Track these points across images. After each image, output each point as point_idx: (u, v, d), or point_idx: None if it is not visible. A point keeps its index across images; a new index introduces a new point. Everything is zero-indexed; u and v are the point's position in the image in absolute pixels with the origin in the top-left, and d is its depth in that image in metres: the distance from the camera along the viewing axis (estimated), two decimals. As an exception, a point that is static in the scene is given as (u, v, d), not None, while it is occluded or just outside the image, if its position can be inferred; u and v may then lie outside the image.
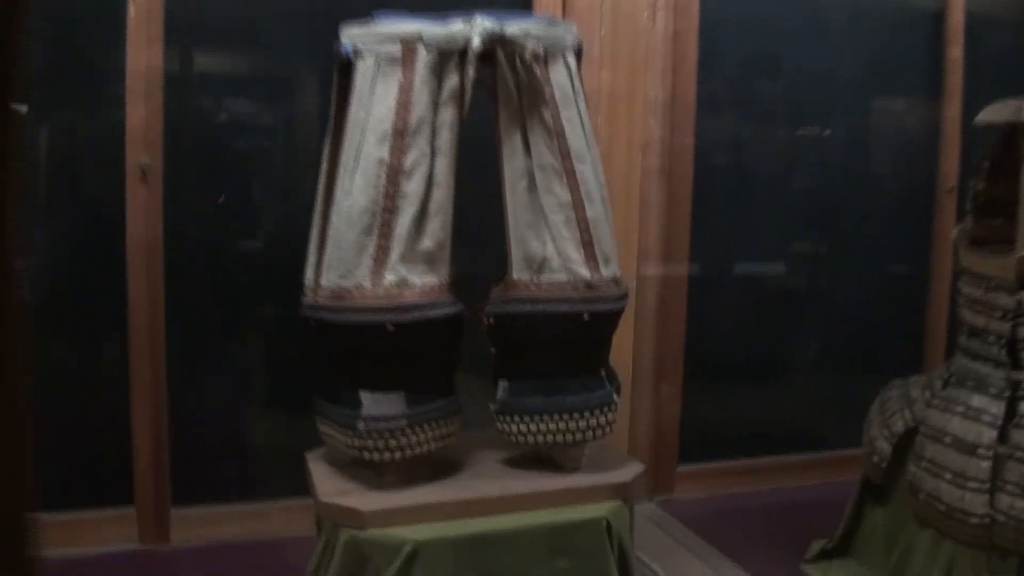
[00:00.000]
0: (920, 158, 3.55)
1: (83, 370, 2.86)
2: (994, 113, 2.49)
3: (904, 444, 2.52)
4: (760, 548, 2.88)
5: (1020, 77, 3.48)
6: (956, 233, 2.63)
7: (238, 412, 2.94)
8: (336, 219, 1.99)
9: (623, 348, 3.09)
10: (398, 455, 1.99)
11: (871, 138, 3.55)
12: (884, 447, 2.56)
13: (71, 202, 2.78)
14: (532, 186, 2.05)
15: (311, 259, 2.08)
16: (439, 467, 2.11)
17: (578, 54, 2.13)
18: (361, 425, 1.97)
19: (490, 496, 2.00)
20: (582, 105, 2.09)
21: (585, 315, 2.03)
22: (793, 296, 3.50)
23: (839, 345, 3.57)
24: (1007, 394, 2.35)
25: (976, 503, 2.28)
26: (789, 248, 3.48)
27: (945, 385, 2.52)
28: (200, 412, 2.90)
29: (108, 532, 2.79)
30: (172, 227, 2.75)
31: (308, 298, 2.05)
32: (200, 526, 2.84)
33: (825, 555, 2.76)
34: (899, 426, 2.54)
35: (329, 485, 2.07)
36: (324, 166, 2.09)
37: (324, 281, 2.00)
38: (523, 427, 2.08)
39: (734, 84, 3.30)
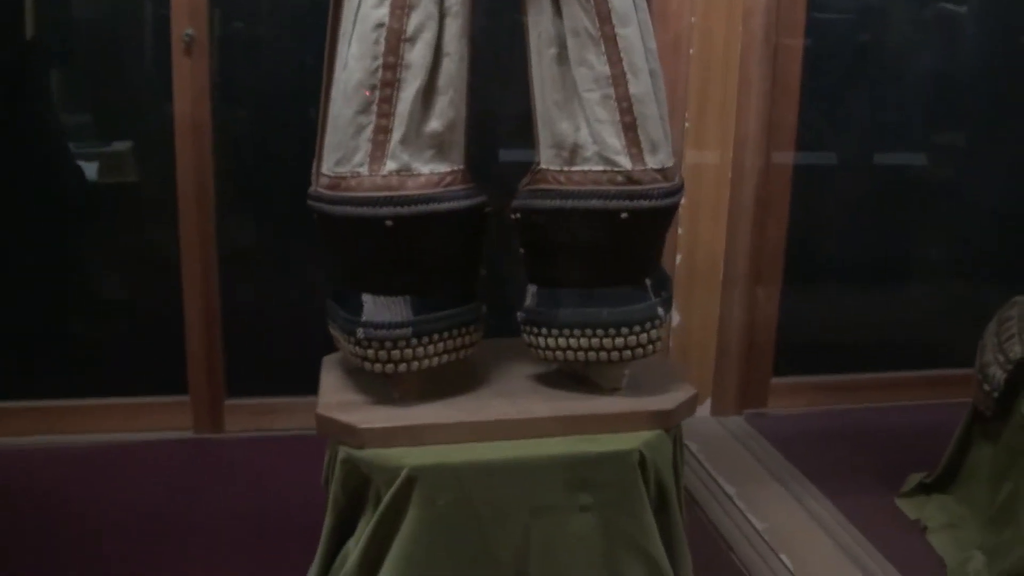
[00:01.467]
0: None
1: (135, 256, 2.75)
2: None
3: (1021, 372, 2.12)
4: (852, 476, 2.55)
5: None
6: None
7: (292, 302, 2.79)
8: (335, 96, 1.70)
9: (715, 246, 2.79)
10: (403, 367, 1.71)
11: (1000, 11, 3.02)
12: (997, 374, 2.16)
13: (116, 77, 2.64)
14: (563, 56, 1.68)
15: (317, 145, 1.80)
16: (458, 381, 1.84)
17: None
18: (360, 332, 1.69)
19: (502, 418, 1.71)
20: None
21: (623, 213, 1.66)
22: (915, 191, 3.08)
23: (964, 249, 3.15)
24: None
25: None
26: (914, 136, 3.07)
27: None
28: (253, 301, 2.78)
29: (164, 419, 2.74)
30: (220, 104, 2.58)
31: (312, 187, 1.79)
32: (254, 416, 2.76)
33: (922, 490, 2.42)
34: (1017, 351, 2.15)
35: (333, 396, 1.82)
36: (327, 35, 1.77)
37: (324, 168, 1.72)
38: (551, 341, 1.77)
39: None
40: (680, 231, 2.72)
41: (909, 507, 2.38)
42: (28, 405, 2.66)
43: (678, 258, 2.74)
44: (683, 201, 2.54)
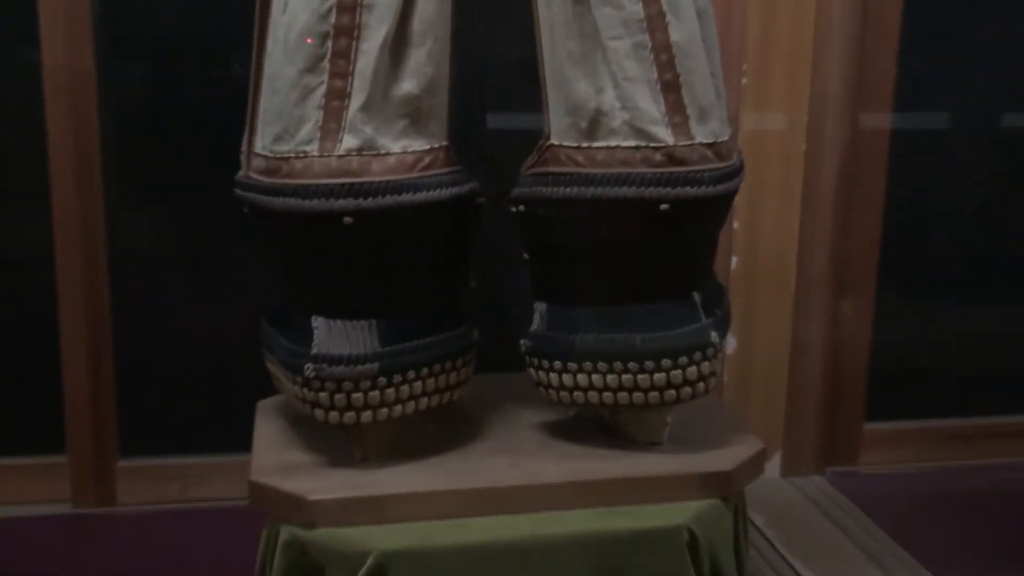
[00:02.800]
0: None
1: None
2: None
3: None
4: (974, 557, 2.61)
5: None
6: None
7: (211, 327, 2.83)
8: (272, 48, 1.75)
9: (784, 244, 2.85)
10: (367, 416, 1.76)
11: None
12: None
13: None
14: (583, -6, 1.73)
15: (248, 116, 1.86)
16: (440, 434, 1.91)
17: None
18: (310, 369, 1.73)
19: (501, 485, 1.76)
20: None
21: (664, 203, 1.71)
22: None
23: None
24: None
25: None
26: None
27: None
28: (157, 326, 2.80)
29: (33, 487, 2.78)
30: (109, 53, 2.62)
31: (241, 172, 1.85)
32: (156, 482, 2.81)
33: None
34: None
35: (271, 456, 1.87)
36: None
37: (258, 146, 1.78)
38: (566, 378, 1.83)
39: None
40: (736, 225, 2.76)
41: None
42: None
43: (733, 261, 2.79)
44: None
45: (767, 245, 2.83)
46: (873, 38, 2.83)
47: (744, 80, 2.72)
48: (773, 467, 2.93)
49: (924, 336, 3.13)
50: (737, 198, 2.49)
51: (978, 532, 2.72)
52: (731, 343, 2.82)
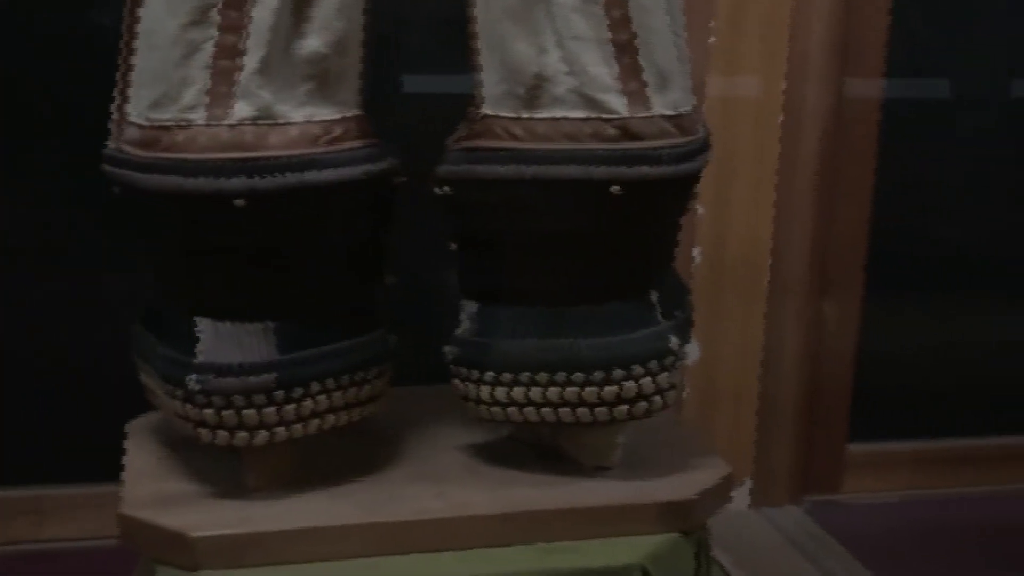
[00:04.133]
0: None
1: None
2: None
3: None
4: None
5: None
6: None
7: (78, 329, 2.82)
8: (147, -1, 1.74)
9: (756, 234, 2.86)
10: (261, 437, 1.76)
11: None
12: None
13: None
14: (521, -65, 1.74)
15: (118, 76, 1.83)
16: (350, 458, 1.92)
17: None
18: (193, 380, 1.73)
19: (424, 518, 1.77)
20: None
21: (616, 185, 1.72)
22: None
23: None
24: None
25: None
26: None
27: None
28: (15, 331, 2.79)
29: None
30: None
31: (111, 143, 1.83)
32: (17, 518, 2.78)
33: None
34: None
35: (146, 484, 1.87)
36: None
37: (131, 113, 1.76)
38: (500, 391, 1.84)
39: None
40: (700, 211, 2.77)
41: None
42: None
43: (697, 254, 2.80)
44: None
45: (736, 235, 2.84)
46: (855, 8, 2.86)
47: (712, 39, 2.74)
48: (742, 496, 2.95)
49: (918, 344, 3.18)
50: (702, 179, 2.53)
51: (976, 570, 2.77)
52: (694, 351, 2.83)
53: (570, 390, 1.80)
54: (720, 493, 1.89)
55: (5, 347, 2.75)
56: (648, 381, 1.80)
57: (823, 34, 2.83)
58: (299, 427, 1.78)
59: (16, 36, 2.69)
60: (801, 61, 2.82)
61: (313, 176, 1.70)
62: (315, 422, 1.79)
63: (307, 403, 1.77)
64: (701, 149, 1.82)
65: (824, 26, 2.82)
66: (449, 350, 1.87)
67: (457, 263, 1.90)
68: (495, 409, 1.85)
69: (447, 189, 1.82)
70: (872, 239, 2.99)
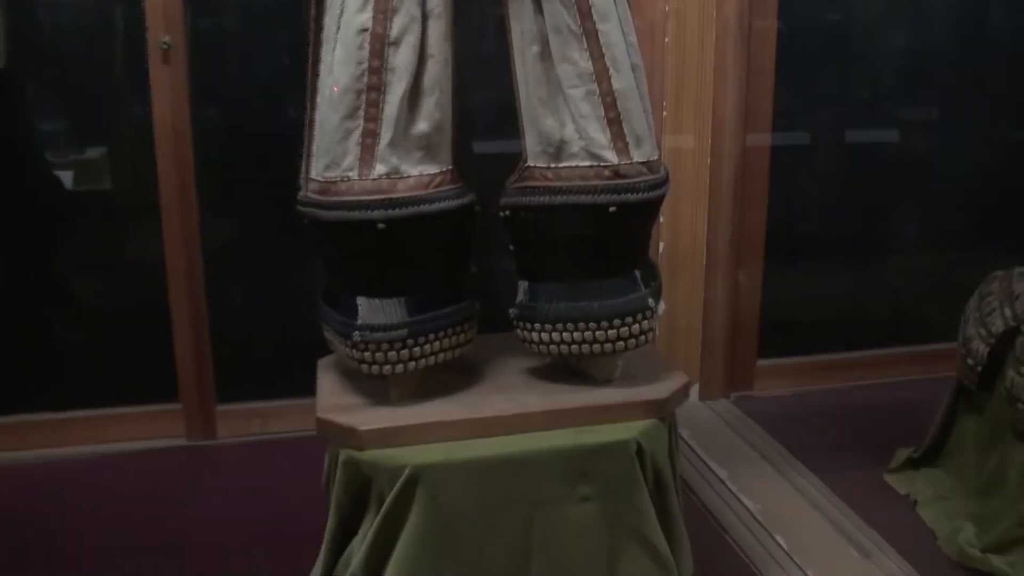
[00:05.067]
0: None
1: (118, 264, 2.74)
2: None
3: (1004, 346, 2.17)
4: (841, 454, 2.60)
5: None
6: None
7: (280, 304, 2.76)
8: (320, 101, 1.71)
9: (696, 232, 2.81)
10: (400, 368, 1.73)
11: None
12: (980, 348, 2.20)
13: (95, 87, 2.61)
14: (546, 53, 1.70)
15: (304, 151, 1.81)
16: (454, 378, 1.86)
17: None
18: (356, 335, 1.71)
19: (500, 414, 1.73)
20: None
21: (612, 207, 1.69)
22: (891, 167, 3.09)
23: (944, 224, 3.18)
24: None
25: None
26: (891, 113, 3.08)
27: None
28: (241, 305, 2.76)
29: (155, 427, 2.73)
30: (199, 108, 2.58)
31: (301, 192, 1.79)
32: (247, 421, 2.76)
33: (911, 464, 2.46)
34: (998, 325, 2.19)
35: (331, 398, 1.83)
36: (311, 39, 1.78)
37: (313, 173, 1.73)
38: (544, 335, 1.80)
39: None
40: (662, 219, 2.73)
41: (898, 482, 2.43)
42: (13, 420, 2.64)
43: (661, 246, 2.77)
44: (666, 190, 2.59)
45: (685, 233, 2.80)
46: (755, 78, 2.78)
47: (665, 113, 2.69)
48: (693, 394, 2.90)
49: (799, 295, 3.09)
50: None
51: (842, 436, 2.71)
52: (662, 306, 2.78)
53: (587, 334, 1.76)
54: (682, 393, 1.85)
55: (241, 319, 2.74)
56: (635, 327, 1.77)
57: (733, 108, 2.77)
58: (422, 362, 1.75)
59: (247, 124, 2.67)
60: (720, 125, 2.77)
61: (425, 207, 1.68)
62: (431, 358, 1.76)
63: (426, 347, 1.75)
64: (663, 182, 1.78)
65: (733, 102, 2.76)
66: (512, 311, 1.84)
67: (514, 257, 1.85)
68: (542, 347, 1.82)
69: (507, 213, 1.79)
70: (768, 232, 2.93)
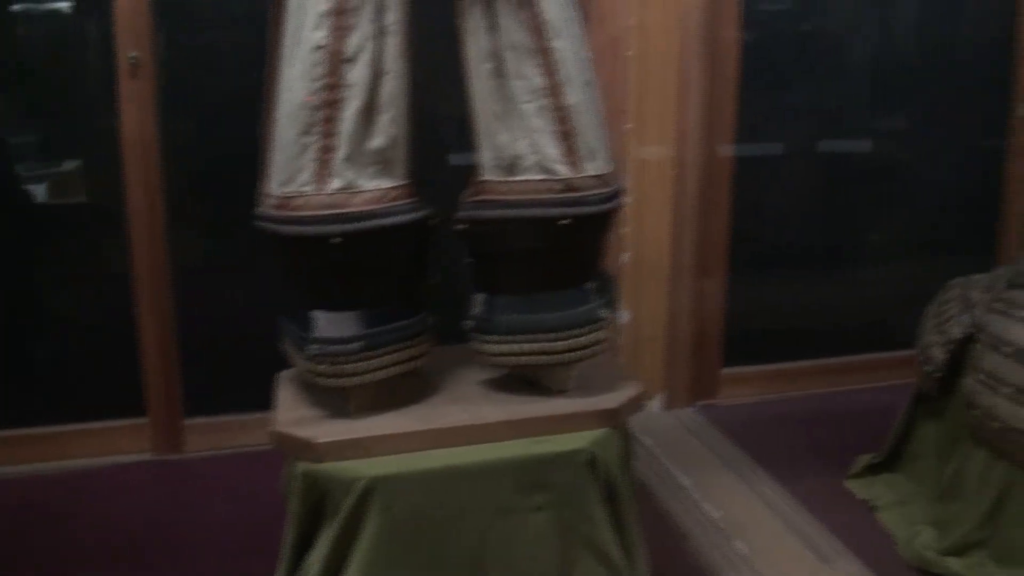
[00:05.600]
0: (999, 15, 3.08)
1: (88, 278, 2.73)
2: None
3: (961, 352, 2.22)
4: (803, 460, 2.62)
5: None
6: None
7: (249, 317, 2.72)
8: (277, 117, 1.73)
9: (661, 241, 2.83)
10: (356, 380, 1.75)
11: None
12: (938, 355, 2.24)
13: (62, 100, 2.61)
14: (500, 70, 1.73)
15: (262, 167, 1.83)
16: (411, 390, 1.87)
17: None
18: (313, 348, 1.73)
19: (455, 425, 1.75)
20: None
21: (564, 220, 1.72)
22: (857, 177, 3.13)
23: (904, 233, 3.20)
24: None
25: (1037, 421, 1.99)
26: (851, 124, 3.10)
27: (1010, 286, 2.17)
28: (209, 318, 2.75)
29: (123, 442, 2.72)
30: (167, 124, 2.58)
31: (260, 207, 1.81)
32: (215, 434, 2.76)
33: (871, 470, 2.49)
34: (956, 332, 2.22)
35: (289, 412, 1.85)
36: (268, 56, 1.80)
37: (270, 188, 1.75)
38: (499, 347, 1.82)
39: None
40: (628, 229, 2.76)
41: (859, 488, 2.46)
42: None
43: (627, 256, 2.78)
44: (629, 199, 2.61)
45: (650, 242, 2.81)
46: (719, 90, 2.80)
47: (629, 124, 2.71)
48: (658, 403, 2.92)
49: (762, 304, 3.10)
50: (627, 208, 2.53)
51: (805, 443, 2.73)
52: (626, 315, 2.82)
53: (540, 345, 1.79)
54: (636, 403, 1.86)
55: (209, 332, 2.74)
56: (586, 338, 1.79)
57: (696, 120, 2.79)
58: (379, 374, 1.76)
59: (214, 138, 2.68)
60: (684, 135, 2.78)
61: (380, 221, 1.70)
62: (388, 370, 1.78)
63: (382, 359, 1.76)
64: (616, 195, 1.80)
65: (697, 112, 2.78)
66: (468, 323, 1.86)
67: (471, 270, 1.87)
68: (497, 359, 1.84)
69: (463, 226, 1.81)
70: (731, 242, 2.95)
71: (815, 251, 3.14)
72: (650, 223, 2.79)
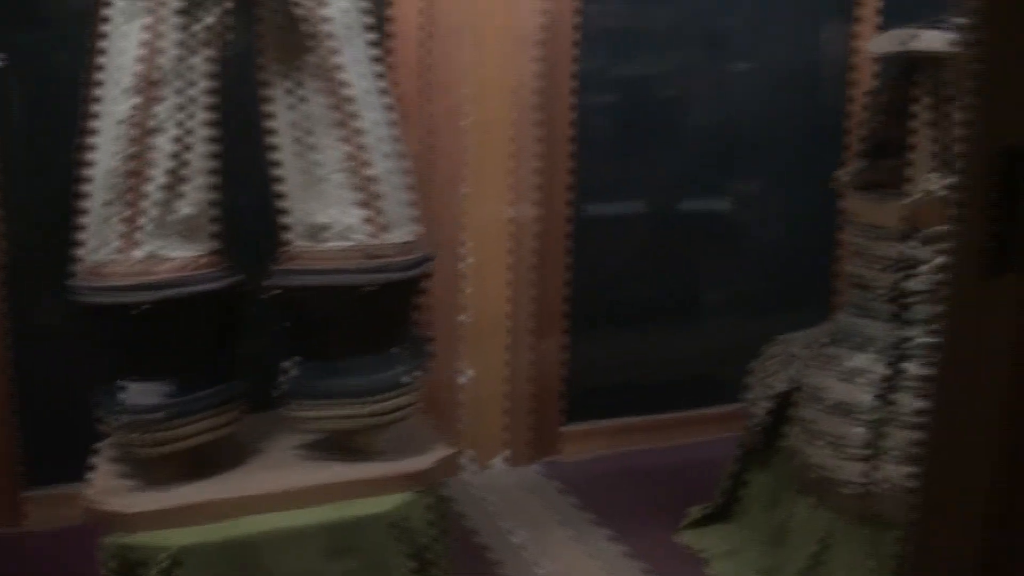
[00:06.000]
0: (834, 87, 3.24)
1: None
2: (884, 43, 2.24)
3: (784, 406, 2.35)
4: (639, 513, 2.69)
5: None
6: (844, 175, 2.37)
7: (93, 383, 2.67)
8: (88, 185, 1.75)
9: (499, 301, 2.87)
10: (165, 449, 1.76)
11: (778, 67, 3.20)
12: (762, 409, 2.38)
13: None
14: (305, 142, 1.79)
15: (75, 235, 1.83)
16: (225, 457, 1.88)
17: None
18: (122, 417, 1.74)
19: (264, 492, 1.77)
20: (369, 43, 1.81)
21: (366, 287, 1.77)
22: (692, 237, 3.23)
23: (739, 289, 3.30)
24: (891, 353, 2.17)
25: (851, 471, 2.11)
26: (686, 186, 3.20)
27: (828, 343, 2.31)
28: (52, 380, 2.65)
29: None
30: (8, 184, 2.51)
31: (72, 276, 1.81)
32: (58, 507, 2.62)
33: (704, 521, 2.57)
34: (778, 386, 2.36)
35: (103, 483, 1.84)
36: (83, 126, 1.82)
37: (81, 256, 1.76)
38: (309, 412, 1.85)
39: (621, 11, 2.97)
40: (468, 290, 2.81)
41: (692, 539, 2.53)
42: None
43: (468, 316, 2.83)
44: (469, 261, 2.67)
45: (490, 303, 2.85)
46: (555, 157, 2.87)
47: (467, 189, 2.76)
48: (501, 462, 2.95)
49: (603, 362, 3.15)
50: (468, 270, 2.58)
51: (643, 497, 2.79)
52: (468, 375, 2.85)
53: (347, 410, 1.82)
54: (446, 464, 1.90)
55: (50, 399, 2.63)
56: (391, 403, 1.83)
57: (532, 181, 2.85)
58: (189, 441, 1.77)
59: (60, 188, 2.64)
60: (519, 198, 2.84)
61: (185, 289, 1.72)
62: (197, 438, 1.78)
63: (192, 427, 1.77)
64: (422, 261, 1.85)
65: (533, 175, 2.84)
66: (280, 389, 1.88)
67: (282, 336, 1.89)
68: (308, 424, 1.87)
69: (273, 293, 1.83)
70: (570, 302, 3.00)
71: (654, 309, 3.21)
72: (490, 284, 2.84)
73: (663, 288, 3.22)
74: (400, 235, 1.80)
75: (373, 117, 1.79)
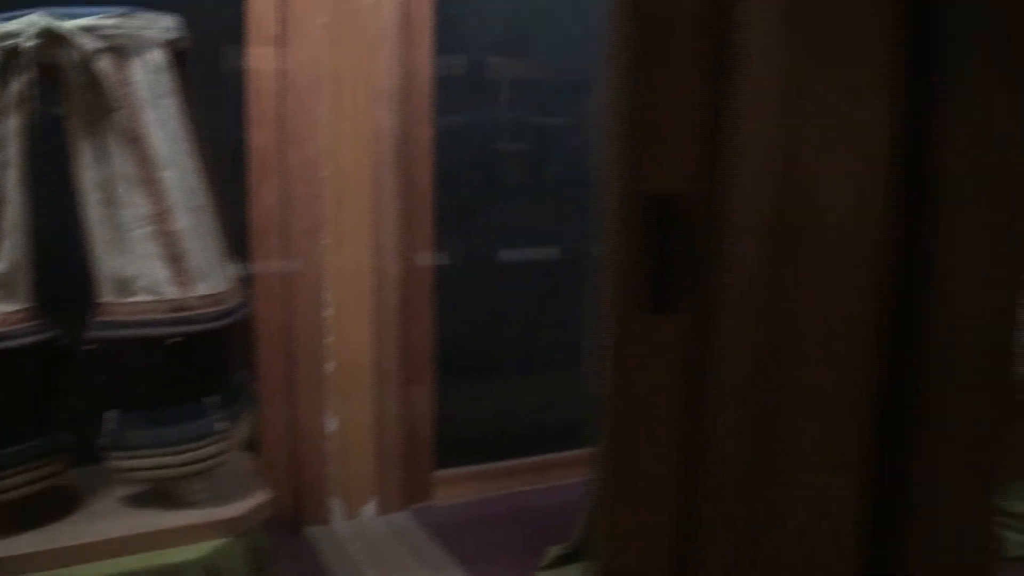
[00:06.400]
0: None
1: None
2: None
3: None
4: (505, 557, 2.71)
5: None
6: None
7: None
8: None
9: (362, 350, 2.91)
10: None
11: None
12: None
13: None
14: (111, 199, 1.85)
15: None
16: (52, 509, 1.91)
17: (176, 46, 1.91)
18: (-66, 475, 1.76)
19: (80, 543, 1.80)
20: (174, 105, 1.87)
21: (172, 338, 1.83)
22: (554, 284, 3.28)
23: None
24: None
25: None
26: (547, 234, 3.26)
27: None
28: None
29: None
30: None
31: None
32: None
33: (562, 560, 2.61)
34: None
35: None
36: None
37: None
38: (128, 463, 1.89)
39: (477, 66, 3.07)
40: (332, 339, 2.85)
41: (549, 578, 2.58)
42: None
43: (331, 365, 2.87)
44: (330, 311, 2.72)
45: (353, 351, 2.88)
46: (414, 207, 2.95)
47: (326, 240, 2.82)
48: (371, 509, 2.97)
49: (473, 407, 3.20)
50: (329, 319, 2.62)
51: (509, 540, 2.83)
52: (333, 423, 2.89)
53: (164, 459, 1.86)
54: (259, 511, 1.94)
55: None
56: (203, 451, 1.88)
57: (392, 230, 2.91)
58: (10, 495, 1.80)
59: None
60: (379, 247, 2.89)
61: (1, 344, 1.77)
62: (16, 491, 1.81)
63: (11, 480, 1.80)
64: (231, 312, 1.91)
65: (392, 225, 2.90)
66: (101, 441, 1.91)
67: (101, 388, 1.91)
68: (128, 474, 1.90)
69: (92, 346, 1.87)
70: (437, 347, 3.06)
71: (522, 355, 3.26)
72: (352, 332, 2.88)
73: (532, 335, 3.27)
74: (205, 287, 1.86)
75: (175, 175, 1.86)
